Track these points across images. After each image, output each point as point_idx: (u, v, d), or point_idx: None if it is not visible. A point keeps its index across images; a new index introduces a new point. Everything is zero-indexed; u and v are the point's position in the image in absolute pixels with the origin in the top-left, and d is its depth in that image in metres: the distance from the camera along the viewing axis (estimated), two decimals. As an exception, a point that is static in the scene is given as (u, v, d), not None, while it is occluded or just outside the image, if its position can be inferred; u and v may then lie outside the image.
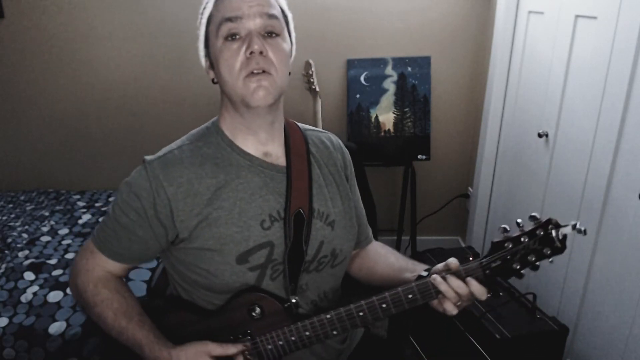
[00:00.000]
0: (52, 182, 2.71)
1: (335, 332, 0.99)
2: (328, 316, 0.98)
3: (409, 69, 2.48)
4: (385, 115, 2.51)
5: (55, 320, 1.63)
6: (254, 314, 1.01)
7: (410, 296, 0.95)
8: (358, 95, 2.49)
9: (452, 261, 0.96)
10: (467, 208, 2.83)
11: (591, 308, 1.75)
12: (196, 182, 1.00)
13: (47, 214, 2.31)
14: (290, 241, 1.03)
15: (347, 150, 1.22)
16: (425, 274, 1.00)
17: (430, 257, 2.16)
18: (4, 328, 1.61)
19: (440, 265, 0.98)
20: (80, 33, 2.50)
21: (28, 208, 2.40)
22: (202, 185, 1.01)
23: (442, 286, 0.93)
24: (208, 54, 1.03)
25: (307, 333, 0.99)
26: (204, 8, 1.01)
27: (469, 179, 2.82)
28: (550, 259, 0.92)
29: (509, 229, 0.94)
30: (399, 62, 2.48)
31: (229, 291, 1.02)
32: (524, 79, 2.26)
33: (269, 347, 1.02)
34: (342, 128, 2.60)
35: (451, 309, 0.95)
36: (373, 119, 2.51)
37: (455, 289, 0.93)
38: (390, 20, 2.53)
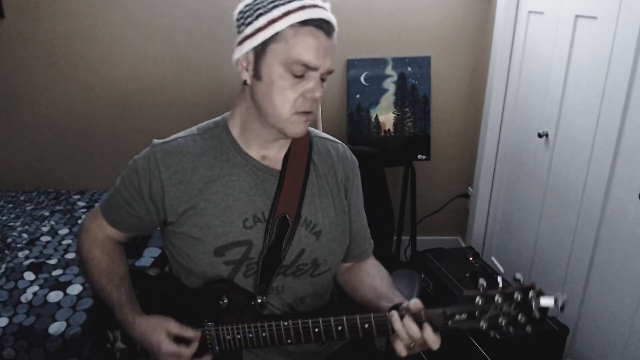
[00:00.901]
0: (52, 182, 2.71)
1: (289, 341, 1.00)
2: (285, 324, 1.00)
3: (409, 69, 2.48)
4: (385, 115, 2.51)
5: (55, 320, 1.63)
6: (221, 302, 1.05)
7: (366, 326, 0.95)
8: (358, 96, 2.49)
9: (415, 302, 0.93)
10: (467, 208, 2.83)
11: (591, 308, 1.75)
12: (190, 172, 1.05)
13: (47, 214, 2.31)
14: (269, 243, 1.06)
15: (354, 161, 1.21)
16: (402, 303, 1.00)
17: (430, 257, 2.16)
18: (4, 328, 1.61)
19: (406, 303, 0.96)
20: (80, 33, 2.50)
21: (28, 208, 2.40)
22: (195, 176, 1.05)
23: (397, 324, 0.92)
24: (256, 58, 0.99)
25: (264, 334, 1.01)
26: (273, 19, 0.95)
27: (469, 179, 2.82)
28: (527, 328, 0.85)
29: (486, 286, 0.88)
30: (399, 62, 2.48)
31: (204, 277, 1.08)
32: (524, 79, 2.26)
33: (228, 337, 1.05)
34: (342, 128, 2.60)
35: (400, 349, 0.92)
36: (373, 119, 2.51)
37: (407, 331, 0.91)
38: (390, 20, 2.53)
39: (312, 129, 1.18)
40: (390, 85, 2.50)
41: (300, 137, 1.03)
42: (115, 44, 2.53)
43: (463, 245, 2.86)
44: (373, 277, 1.18)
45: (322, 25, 0.97)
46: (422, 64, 2.49)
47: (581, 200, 1.78)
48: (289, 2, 0.96)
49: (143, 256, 1.93)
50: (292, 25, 0.95)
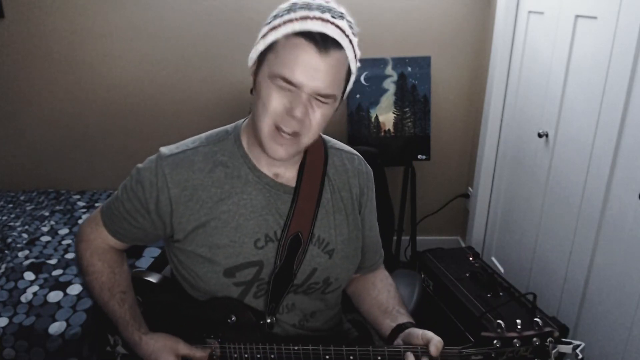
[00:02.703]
0: (52, 182, 2.71)
1: None
2: (296, 348, 0.98)
3: (409, 69, 2.48)
4: (385, 115, 2.51)
5: (55, 320, 1.63)
6: (229, 320, 1.02)
7: (379, 358, 0.94)
8: (358, 95, 2.49)
9: (436, 344, 0.90)
10: (467, 208, 2.83)
11: (591, 308, 1.75)
12: (201, 189, 1.00)
13: (47, 214, 2.31)
14: (280, 263, 1.02)
15: (369, 173, 1.16)
16: (405, 324, 1.01)
17: (430, 257, 2.16)
18: (4, 328, 1.61)
19: (420, 333, 0.94)
20: (80, 33, 2.50)
21: (28, 208, 2.40)
22: (205, 193, 1.00)
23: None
24: (256, 68, 0.95)
25: (272, 356, 1.00)
26: (273, 27, 0.90)
27: (469, 179, 2.82)
28: None
29: (504, 326, 0.89)
30: (399, 62, 2.48)
31: (212, 295, 1.04)
32: (524, 79, 2.26)
33: (235, 355, 1.03)
34: (342, 128, 2.60)
35: None
36: (373, 119, 2.51)
37: None
38: (390, 20, 2.53)
39: (328, 139, 1.14)
40: (390, 85, 2.49)
41: (279, 159, 0.95)
42: (116, 44, 2.53)
43: (463, 245, 2.86)
44: (379, 291, 1.15)
45: (318, 40, 0.87)
46: (422, 64, 2.48)
47: (581, 200, 1.78)
48: (298, 10, 0.89)
49: (143, 256, 1.93)
50: (287, 35, 0.88)
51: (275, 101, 0.90)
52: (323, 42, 0.87)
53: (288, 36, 0.88)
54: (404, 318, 1.05)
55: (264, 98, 0.91)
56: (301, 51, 0.87)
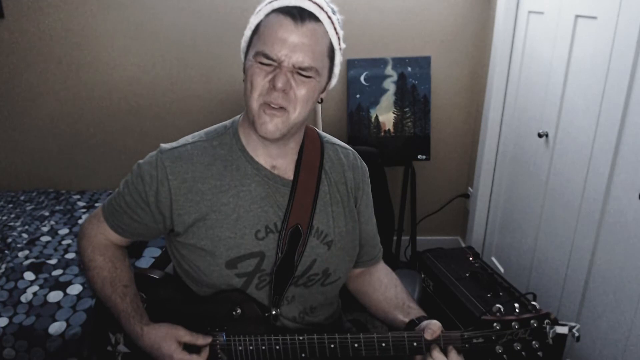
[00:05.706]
0: (52, 182, 2.71)
1: (303, 355, 1.00)
2: (300, 338, 0.99)
3: (409, 69, 2.48)
4: (385, 115, 2.51)
5: (55, 320, 1.63)
6: (234, 313, 1.03)
7: (383, 344, 0.96)
8: (358, 95, 2.49)
9: (435, 326, 0.96)
10: (467, 208, 2.83)
11: (591, 308, 1.75)
12: (200, 181, 1.02)
13: (47, 214, 2.31)
14: (282, 255, 1.04)
15: (364, 168, 1.18)
16: (416, 321, 1.03)
17: (430, 257, 2.16)
18: (4, 328, 1.61)
19: (425, 323, 0.99)
20: (80, 33, 2.50)
21: (28, 208, 2.40)
22: (205, 185, 1.02)
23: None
24: (245, 54, 1.02)
25: (278, 347, 1.00)
26: (258, 11, 0.98)
27: (469, 179, 2.82)
28: (539, 354, 0.90)
29: (503, 311, 0.93)
30: (399, 62, 2.48)
31: (215, 288, 1.05)
32: (524, 79, 2.26)
33: (240, 348, 1.03)
34: (342, 128, 2.60)
35: None
36: (373, 119, 2.51)
37: None
38: (390, 20, 2.53)
39: (323, 134, 1.16)
40: (390, 85, 2.49)
41: (271, 137, 0.97)
42: (116, 44, 2.53)
43: (463, 245, 2.86)
44: (386, 287, 1.17)
45: (295, 13, 0.92)
46: (422, 64, 2.48)
47: (581, 200, 1.78)
48: None
49: (143, 256, 1.93)
50: (267, 14, 0.95)
51: (259, 77, 0.94)
52: (299, 15, 0.92)
53: (268, 15, 0.95)
54: (416, 312, 1.07)
55: (250, 77, 0.95)
56: (278, 26, 0.92)
